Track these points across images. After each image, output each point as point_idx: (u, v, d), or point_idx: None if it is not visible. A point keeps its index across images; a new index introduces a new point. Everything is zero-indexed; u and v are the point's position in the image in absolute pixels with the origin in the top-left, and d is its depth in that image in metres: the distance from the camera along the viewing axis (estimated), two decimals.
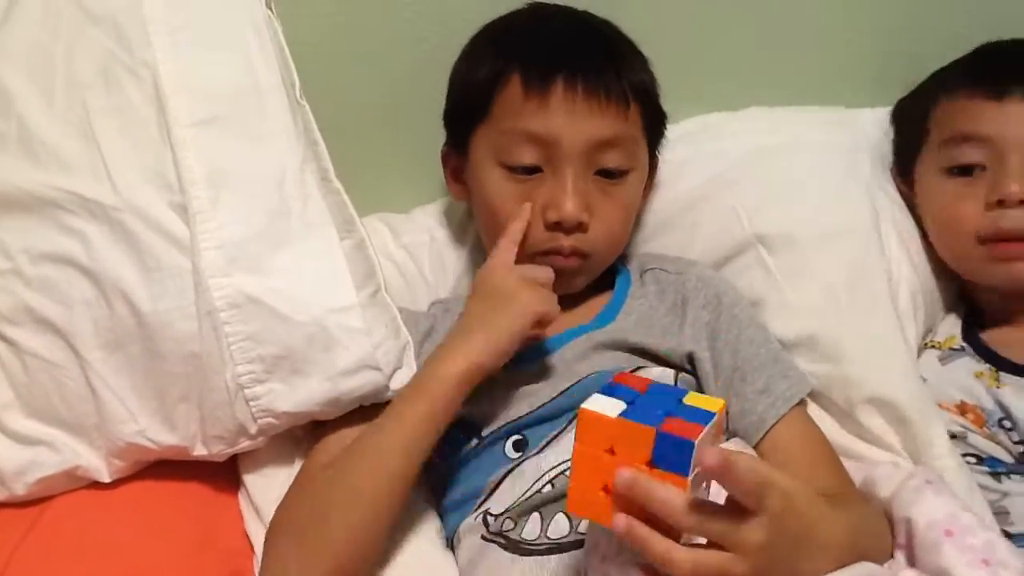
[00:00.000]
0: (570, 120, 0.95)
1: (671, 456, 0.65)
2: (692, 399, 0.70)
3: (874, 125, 1.19)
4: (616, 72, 0.98)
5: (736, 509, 0.67)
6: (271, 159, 0.95)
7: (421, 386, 0.89)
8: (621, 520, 0.65)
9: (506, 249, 0.95)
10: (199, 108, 0.93)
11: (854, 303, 1.04)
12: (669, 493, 0.65)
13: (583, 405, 0.69)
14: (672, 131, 1.15)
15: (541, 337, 0.96)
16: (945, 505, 0.80)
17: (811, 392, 1.00)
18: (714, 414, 0.68)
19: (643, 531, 0.66)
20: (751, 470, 0.66)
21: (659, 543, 0.66)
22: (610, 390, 0.71)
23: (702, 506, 0.66)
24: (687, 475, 0.65)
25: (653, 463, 0.66)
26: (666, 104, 1.07)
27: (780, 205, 1.09)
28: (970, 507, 0.82)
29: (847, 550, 0.74)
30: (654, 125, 1.05)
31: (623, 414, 0.67)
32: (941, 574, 0.73)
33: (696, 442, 0.64)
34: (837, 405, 1.01)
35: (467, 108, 1.02)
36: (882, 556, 0.80)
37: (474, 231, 1.14)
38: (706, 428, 0.66)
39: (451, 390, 0.87)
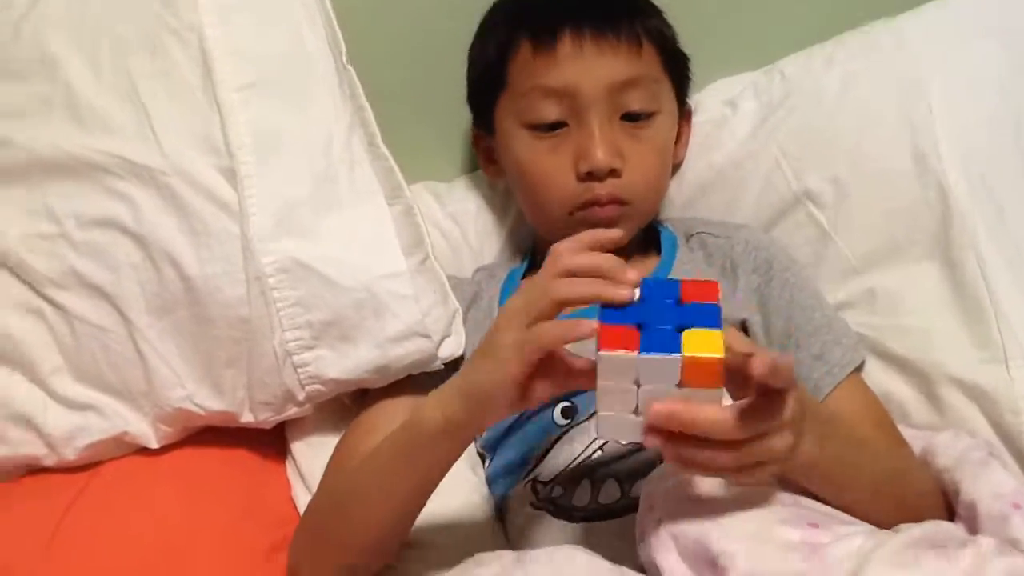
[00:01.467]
0: (583, 67, 0.95)
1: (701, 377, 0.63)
2: (689, 291, 0.67)
3: (918, 30, 1.05)
4: (625, 14, 0.97)
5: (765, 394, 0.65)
6: (318, 124, 0.94)
7: (412, 436, 0.77)
8: (653, 440, 0.64)
9: (525, 293, 0.73)
10: (246, 72, 0.93)
11: (911, 248, 0.99)
12: (713, 413, 0.63)
13: (600, 349, 0.65)
14: (715, 92, 1.13)
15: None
16: (1012, 479, 0.78)
17: (871, 344, 0.97)
18: (718, 308, 0.66)
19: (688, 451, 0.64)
20: (782, 360, 0.63)
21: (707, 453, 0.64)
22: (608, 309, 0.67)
23: (744, 412, 0.64)
24: (720, 387, 0.64)
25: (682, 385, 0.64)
26: (704, 66, 1.05)
27: (823, 153, 1.04)
28: None
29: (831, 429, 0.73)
30: (675, 67, 1.03)
31: (643, 347, 0.64)
32: (1010, 544, 0.71)
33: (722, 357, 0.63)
34: (899, 357, 0.97)
35: (485, 83, 1.02)
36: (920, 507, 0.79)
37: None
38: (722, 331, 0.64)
39: (438, 448, 0.77)
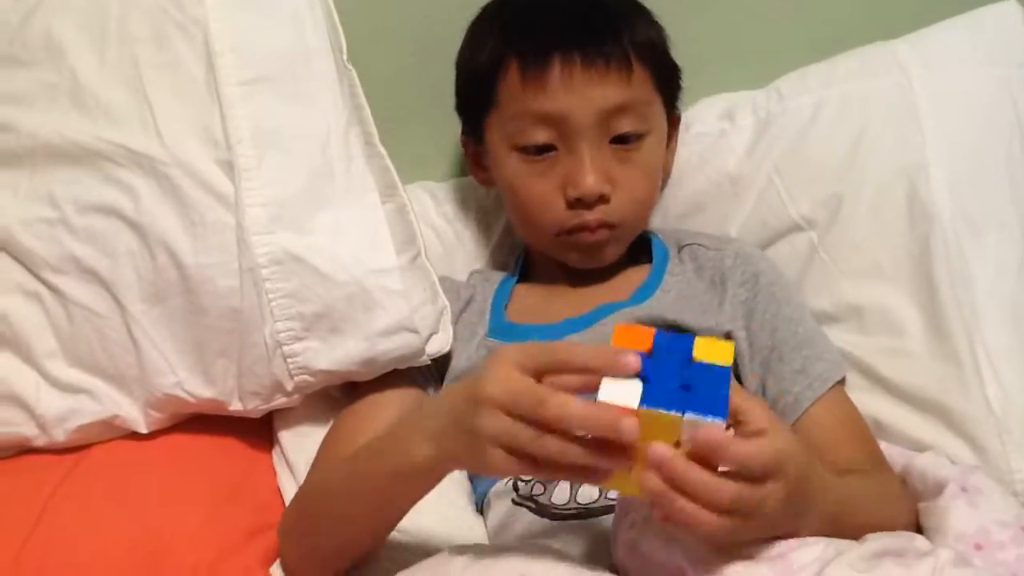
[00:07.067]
0: (572, 95, 0.94)
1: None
2: (701, 351, 0.66)
3: (913, 53, 1.07)
4: (615, 35, 0.96)
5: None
6: (317, 120, 0.96)
7: (399, 464, 0.75)
8: (652, 481, 0.62)
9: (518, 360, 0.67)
10: (248, 67, 0.95)
11: (896, 271, 0.99)
12: (703, 476, 0.62)
13: (599, 396, 0.63)
14: (713, 106, 1.14)
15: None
16: (977, 518, 0.78)
17: (854, 362, 0.98)
18: (728, 370, 0.65)
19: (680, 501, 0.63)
20: (761, 452, 0.64)
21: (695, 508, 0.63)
22: None
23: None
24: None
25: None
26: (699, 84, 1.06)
27: (821, 178, 1.05)
28: (1008, 519, 0.78)
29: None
30: (666, 81, 1.02)
31: (644, 400, 0.63)
32: None
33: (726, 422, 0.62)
34: (881, 376, 0.97)
35: (475, 96, 1.02)
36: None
37: None
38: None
39: (428, 477, 0.75)
